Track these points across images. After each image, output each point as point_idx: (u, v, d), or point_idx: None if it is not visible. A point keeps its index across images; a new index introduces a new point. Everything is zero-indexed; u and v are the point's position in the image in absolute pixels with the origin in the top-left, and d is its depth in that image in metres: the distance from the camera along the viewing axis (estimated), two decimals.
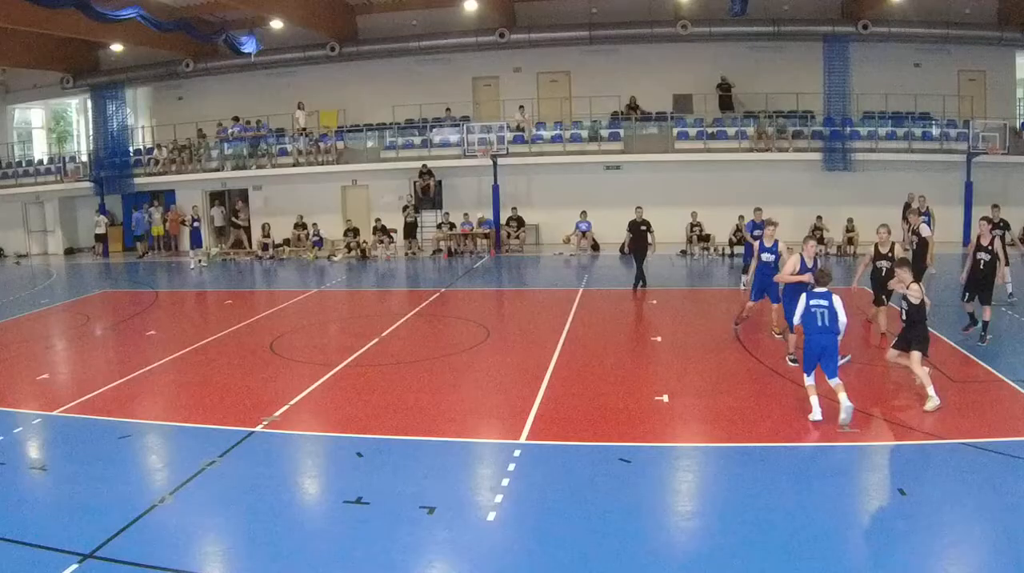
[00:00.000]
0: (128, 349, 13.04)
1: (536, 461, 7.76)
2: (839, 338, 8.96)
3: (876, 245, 12.20)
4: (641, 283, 17.51)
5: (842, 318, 8.85)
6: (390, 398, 9.90)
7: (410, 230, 25.22)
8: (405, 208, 25.15)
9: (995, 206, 16.57)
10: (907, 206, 22.11)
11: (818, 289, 9.06)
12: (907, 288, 9.44)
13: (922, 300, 9.40)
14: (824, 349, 8.84)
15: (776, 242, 12.45)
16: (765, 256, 12.46)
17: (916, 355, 9.32)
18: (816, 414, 8.63)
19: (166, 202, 26.98)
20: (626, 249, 18.71)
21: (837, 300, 8.91)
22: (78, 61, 27.84)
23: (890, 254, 11.85)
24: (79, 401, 9.88)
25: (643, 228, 17.33)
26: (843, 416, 8.44)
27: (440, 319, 15.45)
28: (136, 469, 7.81)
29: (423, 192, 25.36)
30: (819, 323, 8.81)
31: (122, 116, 26.90)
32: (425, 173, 25.24)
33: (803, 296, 9.05)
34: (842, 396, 8.55)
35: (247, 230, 26.14)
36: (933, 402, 8.91)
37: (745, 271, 17.89)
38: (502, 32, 25.40)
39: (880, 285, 12.07)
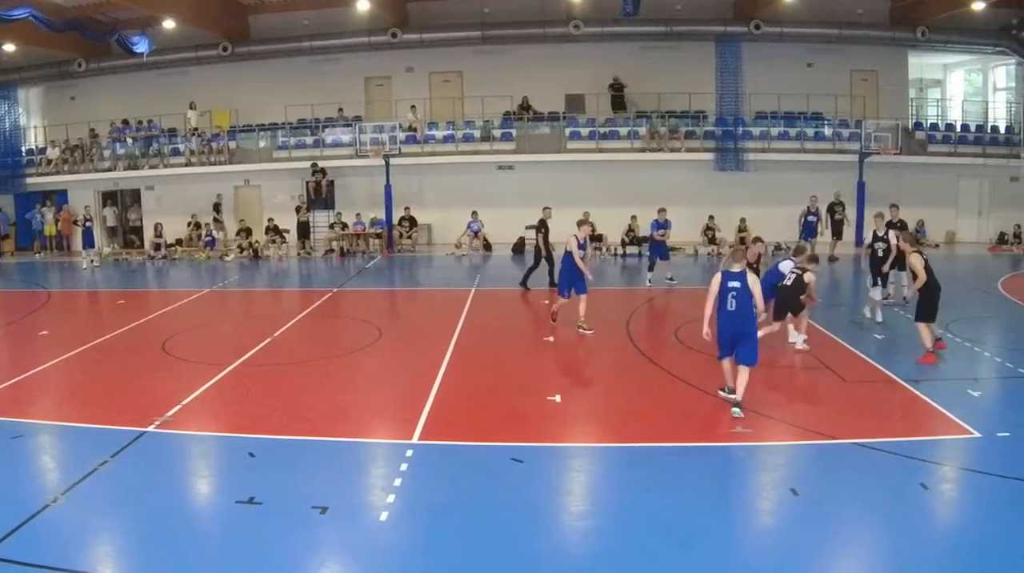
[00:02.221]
0: (20, 349, 12.88)
1: (428, 461, 7.74)
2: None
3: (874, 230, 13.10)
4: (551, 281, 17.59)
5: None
6: (282, 398, 9.86)
7: (303, 230, 25.11)
8: (298, 208, 25.01)
9: (894, 206, 16.67)
10: (832, 205, 22.49)
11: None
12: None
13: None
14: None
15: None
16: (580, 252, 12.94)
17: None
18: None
19: (58, 202, 26.72)
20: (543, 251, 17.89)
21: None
22: None
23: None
24: None
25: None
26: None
27: (332, 319, 15.42)
28: (28, 469, 7.72)
29: (315, 192, 25.25)
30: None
31: (14, 116, 26.68)
32: (317, 171, 25.14)
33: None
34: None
35: (139, 230, 26.00)
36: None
37: (651, 269, 18.10)
38: (394, 32, 25.30)
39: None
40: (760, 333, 9.60)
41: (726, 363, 8.97)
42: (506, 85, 25.91)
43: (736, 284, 8.64)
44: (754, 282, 8.71)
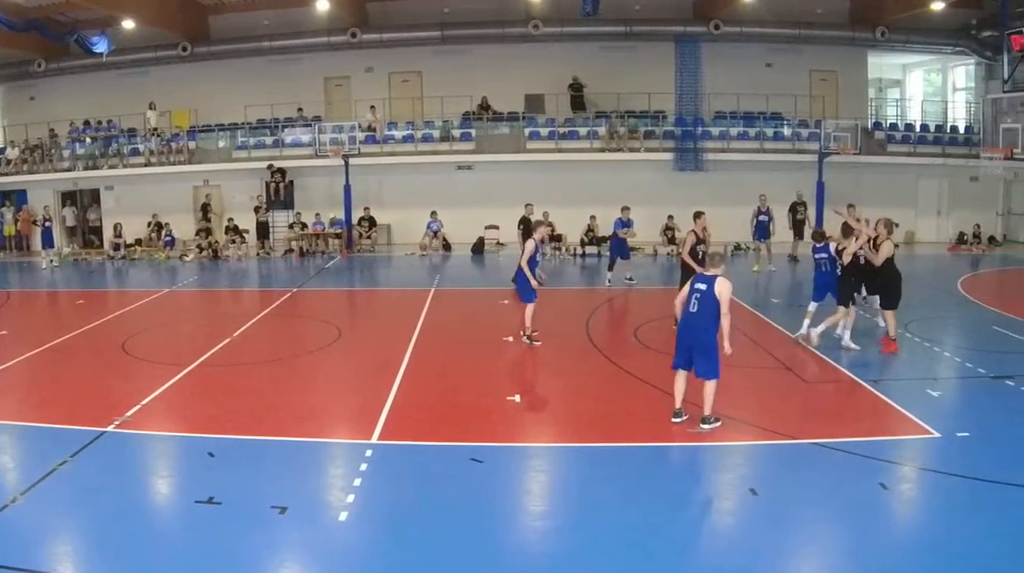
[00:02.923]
0: None
1: (388, 461, 7.77)
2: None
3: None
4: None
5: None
6: (242, 398, 9.90)
7: (262, 230, 25.09)
8: (257, 208, 24.99)
9: (850, 206, 16.68)
10: (794, 205, 22.45)
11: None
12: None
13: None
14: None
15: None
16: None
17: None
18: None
19: (18, 202, 26.67)
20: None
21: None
22: None
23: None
24: None
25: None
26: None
27: (292, 319, 15.49)
28: None
29: (274, 193, 25.23)
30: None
31: None
32: (275, 172, 25.13)
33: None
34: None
35: (98, 230, 25.97)
36: None
37: (610, 268, 18.15)
38: (354, 32, 25.29)
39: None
40: None
41: (678, 379, 8.52)
42: (465, 85, 25.90)
43: (702, 286, 8.29)
44: (723, 291, 8.18)
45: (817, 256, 12.06)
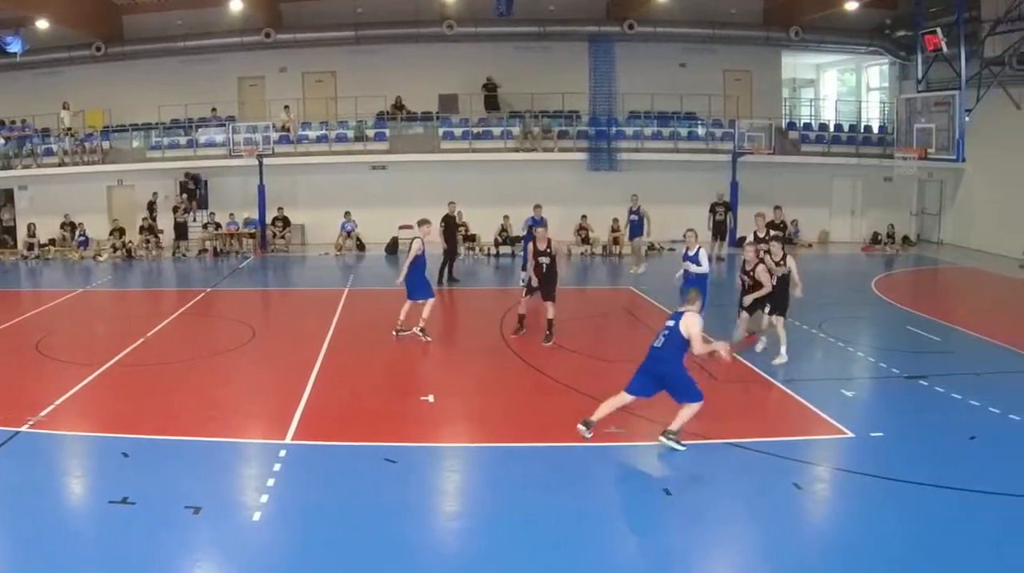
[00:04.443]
0: None
1: (302, 461, 7.82)
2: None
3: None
4: (449, 278, 18.48)
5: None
6: (156, 398, 9.91)
7: (181, 230, 25.06)
8: (175, 208, 24.96)
9: (777, 207, 16.74)
10: (714, 205, 22.52)
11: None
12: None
13: None
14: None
15: None
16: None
17: None
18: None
19: None
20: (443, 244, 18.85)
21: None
22: None
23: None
24: None
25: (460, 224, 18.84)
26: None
27: (206, 319, 15.53)
28: None
29: (189, 199, 25.25)
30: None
31: None
32: (189, 179, 25.24)
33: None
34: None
35: (11, 230, 25.87)
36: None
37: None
38: (268, 32, 25.22)
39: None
40: None
41: (620, 399, 8.18)
42: (380, 85, 25.86)
43: (671, 323, 8.04)
44: (691, 327, 7.86)
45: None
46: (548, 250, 12.51)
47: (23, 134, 26.25)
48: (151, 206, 25.23)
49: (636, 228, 20.43)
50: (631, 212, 20.61)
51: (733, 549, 6.34)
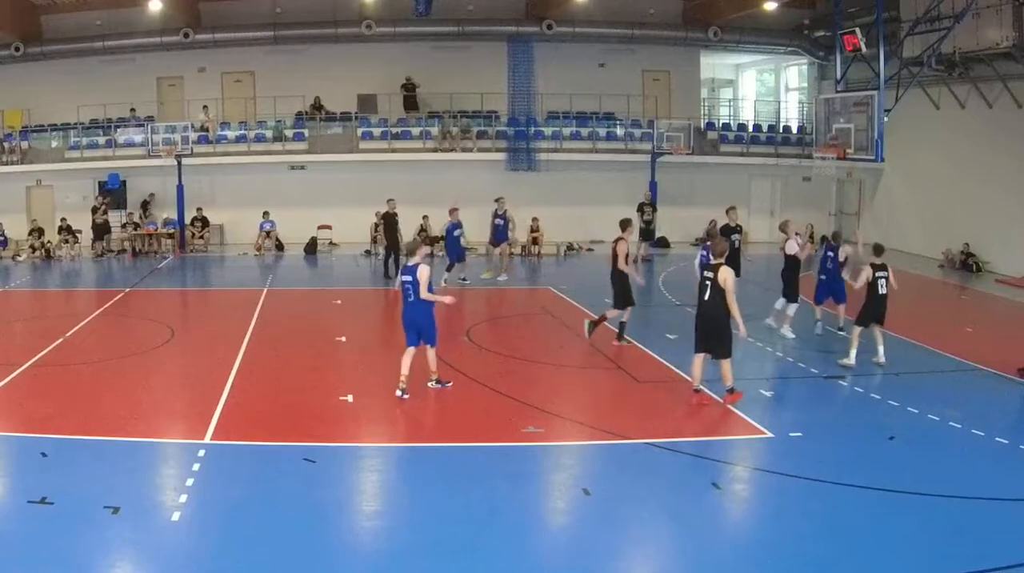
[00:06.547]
0: None
1: (221, 461, 7.87)
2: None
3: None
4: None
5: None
6: (75, 398, 9.95)
7: (101, 230, 25.05)
8: (95, 209, 24.97)
9: (732, 208, 16.72)
10: (642, 205, 22.55)
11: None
12: None
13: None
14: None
15: None
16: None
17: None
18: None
19: None
20: (380, 239, 19.74)
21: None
22: None
23: None
24: None
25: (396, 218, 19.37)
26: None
27: (125, 319, 15.50)
28: None
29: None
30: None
31: None
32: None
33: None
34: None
35: None
36: None
37: (448, 269, 18.40)
38: (186, 32, 25.19)
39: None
40: None
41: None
42: (298, 85, 25.85)
43: (407, 278, 9.58)
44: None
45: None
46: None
47: None
48: (145, 205, 25.29)
49: (501, 233, 19.52)
50: (496, 216, 19.65)
51: (651, 548, 6.44)
